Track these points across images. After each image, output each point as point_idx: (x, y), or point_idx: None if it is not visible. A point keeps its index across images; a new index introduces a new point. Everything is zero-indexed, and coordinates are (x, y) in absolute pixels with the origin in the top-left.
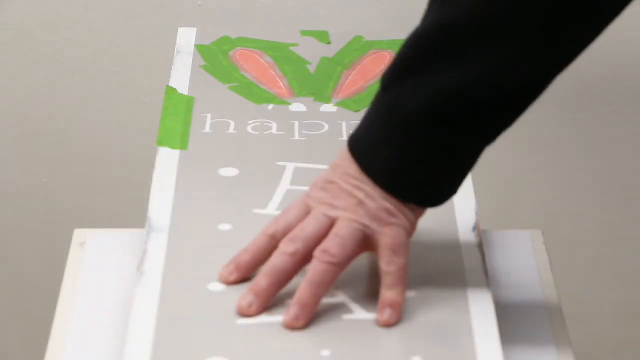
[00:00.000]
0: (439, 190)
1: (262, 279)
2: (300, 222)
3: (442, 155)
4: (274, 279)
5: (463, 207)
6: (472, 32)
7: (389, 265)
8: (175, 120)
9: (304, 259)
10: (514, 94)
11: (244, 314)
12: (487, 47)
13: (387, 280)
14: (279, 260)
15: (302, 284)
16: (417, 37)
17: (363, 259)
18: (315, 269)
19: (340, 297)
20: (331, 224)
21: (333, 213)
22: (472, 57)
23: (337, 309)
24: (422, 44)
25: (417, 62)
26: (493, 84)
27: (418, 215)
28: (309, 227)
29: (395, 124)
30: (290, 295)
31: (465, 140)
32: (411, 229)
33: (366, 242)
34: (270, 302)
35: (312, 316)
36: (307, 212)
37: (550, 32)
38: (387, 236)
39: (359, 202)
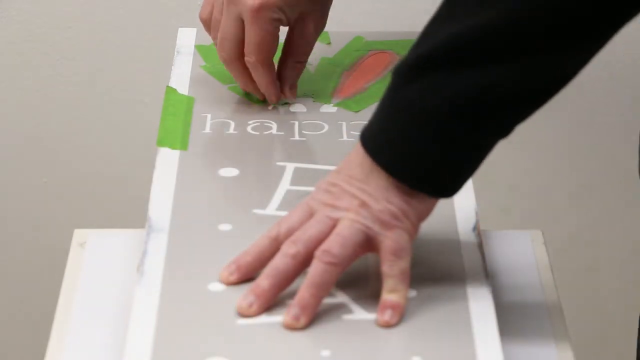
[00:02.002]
0: (451, 180)
1: (263, 280)
2: (302, 225)
3: (459, 148)
4: (275, 281)
5: (463, 207)
6: (505, 37)
7: (391, 269)
8: (175, 120)
9: (306, 261)
10: (537, 94)
11: (244, 314)
12: (517, 51)
13: (388, 284)
14: (280, 261)
15: (303, 285)
16: (446, 34)
17: (363, 259)
18: (315, 269)
19: (340, 297)
20: (334, 225)
21: (336, 214)
22: (501, 59)
23: (337, 309)
24: (452, 41)
25: (444, 58)
26: (519, 86)
27: (421, 217)
28: (311, 229)
29: (415, 118)
30: (291, 295)
31: (483, 135)
32: (414, 232)
33: (368, 244)
34: (270, 303)
35: (313, 316)
36: (310, 215)
37: (582, 38)
38: (390, 239)
39: (362, 203)
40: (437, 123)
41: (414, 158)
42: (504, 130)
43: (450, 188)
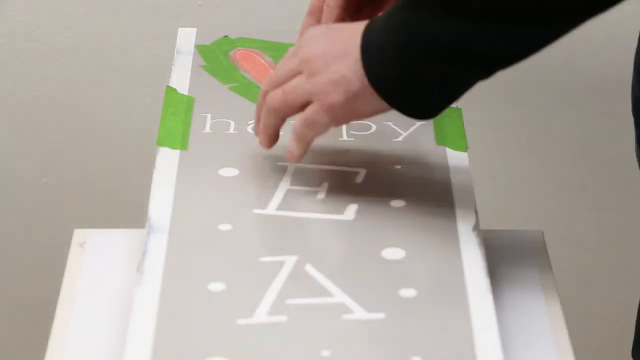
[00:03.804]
0: (427, 104)
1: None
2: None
3: (448, 82)
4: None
5: (463, 207)
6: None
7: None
8: (175, 120)
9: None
10: (525, 54)
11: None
12: (510, 13)
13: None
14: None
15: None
16: None
17: (362, 257)
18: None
19: (340, 297)
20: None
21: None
22: (515, 21)
23: (337, 309)
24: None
25: (464, 5)
26: (511, 49)
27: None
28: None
29: (420, 50)
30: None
31: (470, 76)
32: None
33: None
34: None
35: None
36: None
37: (572, 15)
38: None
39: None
40: (427, 54)
41: (400, 78)
42: (489, 74)
43: (423, 109)
